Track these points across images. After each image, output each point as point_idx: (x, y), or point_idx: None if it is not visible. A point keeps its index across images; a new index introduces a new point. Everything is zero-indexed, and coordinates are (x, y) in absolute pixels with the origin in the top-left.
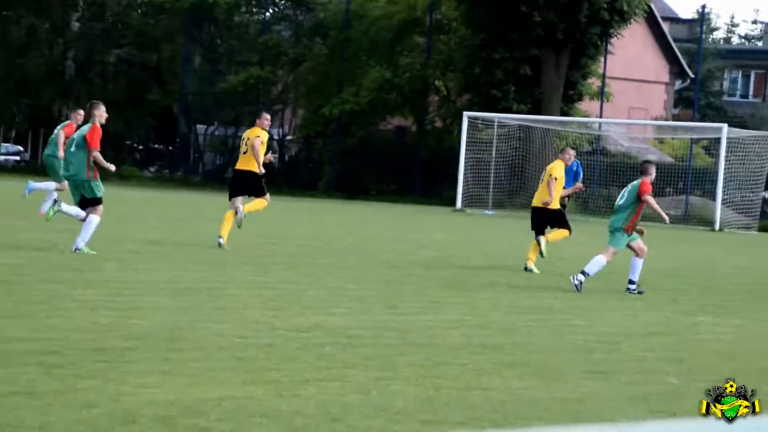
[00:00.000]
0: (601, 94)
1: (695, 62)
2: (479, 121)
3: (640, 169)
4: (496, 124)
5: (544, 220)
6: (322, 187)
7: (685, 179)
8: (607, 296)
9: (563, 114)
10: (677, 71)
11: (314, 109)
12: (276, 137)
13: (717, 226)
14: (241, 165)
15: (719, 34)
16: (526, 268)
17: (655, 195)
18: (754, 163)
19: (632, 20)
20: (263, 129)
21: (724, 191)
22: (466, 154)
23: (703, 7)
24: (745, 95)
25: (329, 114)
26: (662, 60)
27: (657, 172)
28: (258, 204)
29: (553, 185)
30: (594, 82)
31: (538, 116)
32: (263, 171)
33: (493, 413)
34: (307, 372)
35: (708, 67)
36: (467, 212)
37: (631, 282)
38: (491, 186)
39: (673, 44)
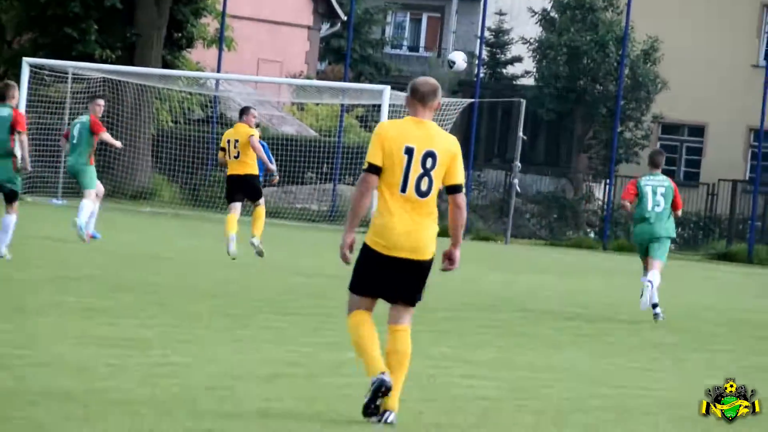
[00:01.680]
0: (220, 40)
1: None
2: (46, 72)
3: (655, 161)
4: (71, 76)
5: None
6: None
7: (333, 161)
8: (218, 322)
9: (166, 65)
10: (324, 11)
11: None
12: None
13: None
14: (236, 170)
15: None
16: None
17: (293, 182)
18: None
19: None
20: (251, 126)
21: None
22: (28, 118)
23: None
24: (414, 47)
25: None
26: None
27: (294, 150)
28: (261, 219)
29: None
30: (210, 23)
31: (132, 67)
32: (275, 169)
33: None
34: None
35: (366, 7)
36: (28, 201)
37: (655, 306)
38: (62, 164)
39: None
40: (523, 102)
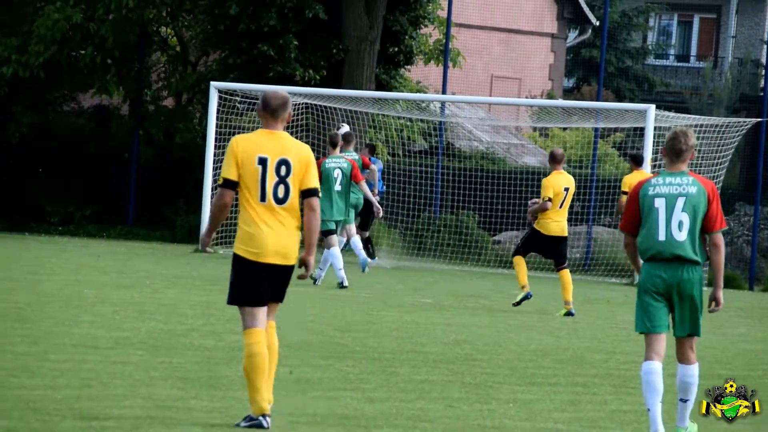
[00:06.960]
0: (445, 54)
1: (601, 1)
2: (238, 98)
3: None
4: None
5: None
6: None
7: (587, 198)
8: (453, 393)
9: (381, 86)
10: (572, 16)
11: None
12: None
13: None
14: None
15: None
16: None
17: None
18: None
19: None
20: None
21: None
22: (216, 155)
23: None
24: (684, 56)
25: None
26: None
27: (538, 186)
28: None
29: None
30: (432, 34)
31: (340, 90)
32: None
33: None
34: None
35: (623, 9)
36: (221, 253)
37: None
38: None
39: None
40: None
